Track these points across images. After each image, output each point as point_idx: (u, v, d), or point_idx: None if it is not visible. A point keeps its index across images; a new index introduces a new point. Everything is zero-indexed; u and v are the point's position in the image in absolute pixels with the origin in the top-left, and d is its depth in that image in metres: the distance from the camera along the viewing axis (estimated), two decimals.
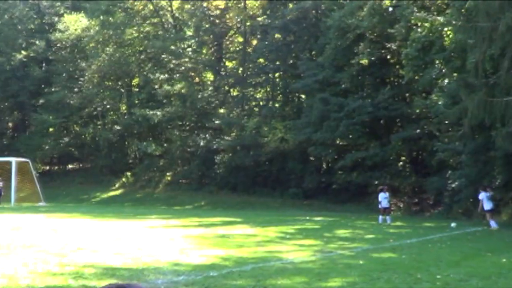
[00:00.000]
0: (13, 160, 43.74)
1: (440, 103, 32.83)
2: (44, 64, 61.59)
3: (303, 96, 47.41)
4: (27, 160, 45.68)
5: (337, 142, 41.82)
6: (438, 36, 32.66)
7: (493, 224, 25.17)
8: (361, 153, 39.79)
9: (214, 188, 47.13)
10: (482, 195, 25.70)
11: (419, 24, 34.16)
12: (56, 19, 58.65)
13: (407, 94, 41.03)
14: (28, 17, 59.31)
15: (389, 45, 39.68)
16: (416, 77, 36.19)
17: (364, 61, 40.27)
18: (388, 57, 41.14)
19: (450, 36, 31.47)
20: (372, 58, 39.81)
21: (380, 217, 27.89)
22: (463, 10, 29.19)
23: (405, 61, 34.70)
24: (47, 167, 60.85)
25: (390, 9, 38.54)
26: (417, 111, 38.32)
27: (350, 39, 39.67)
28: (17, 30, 59.12)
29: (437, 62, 33.91)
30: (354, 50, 39.89)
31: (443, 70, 33.73)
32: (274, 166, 45.91)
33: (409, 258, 14.59)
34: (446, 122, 33.66)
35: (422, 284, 10.85)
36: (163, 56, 51.68)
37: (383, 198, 28.25)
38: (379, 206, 28.45)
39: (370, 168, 39.15)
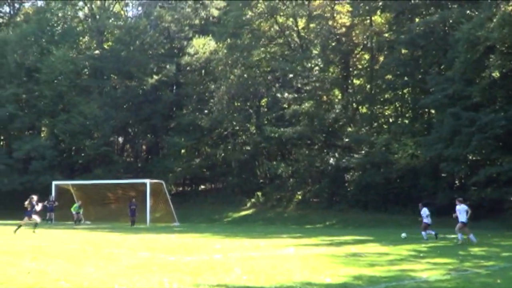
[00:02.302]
0: (148, 181, 46.23)
1: None
2: (174, 88, 65.03)
3: (433, 111, 47.46)
4: (161, 181, 48.35)
5: (470, 157, 41.49)
6: None
7: (460, 236, 26.31)
8: (495, 168, 39.42)
9: (345, 206, 48.19)
10: (461, 207, 26.83)
11: None
12: (185, 43, 62.17)
13: None
14: (158, 42, 63.16)
15: None
16: None
17: (495, 74, 39.99)
18: None
19: None
20: (504, 70, 39.28)
21: (423, 232, 28.58)
22: None
23: None
24: (180, 188, 64.14)
25: None
26: None
27: (480, 52, 39.00)
28: (148, 55, 63.19)
29: None
30: (485, 63, 39.45)
31: None
32: (405, 183, 46.45)
33: None
34: None
35: None
36: (290, 76, 53.38)
37: (426, 215, 29.34)
38: (424, 221, 29.19)
39: (505, 183, 38.62)
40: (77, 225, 44.26)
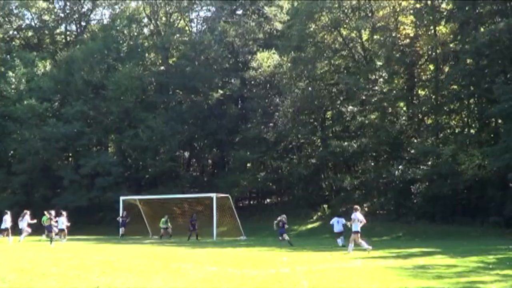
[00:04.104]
0: (214, 195, 47.58)
1: None
2: (239, 102, 66.80)
3: (500, 121, 47.43)
4: (227, 195, 49.53)
5: None
6: None
7: (355, 245, 27.87)
8: None
9: (411, 218, 48.41)
10: (355, 215, 28.11)
11: None
12: (249, 57, 63.55)
13: None
14: (223, 56, 64.76)
15: None
16: None
17: None
18: None
19: None
20: None
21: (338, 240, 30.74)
22: None
23: None
24: (246, 202, 65.61)
25: None
26: None
27: None
28: (213, 70, 64.80)
29: None
30: None
31: None
32: (473, 194, 46.85)
33: None
34: None
35: None
36: (354, 89, 54.06)
37: (336, 223, 31.79)
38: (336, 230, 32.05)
39: None
40: (164, 238, 45.90)
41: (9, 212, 41.21)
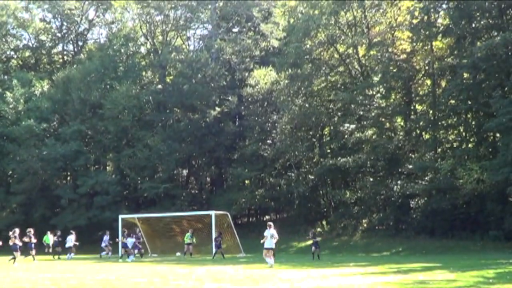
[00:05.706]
0: (213, 213, 47.26)
1: None
2: (237, 119, 66.64)
3: (498, 134, 47.07)
4: (226, 212, 49.49)
5: None
6: None
7: (270, 261, 28.50)
8: None
9: (411, 233, 48.43)
10: (268, 232, 28.64)
11: None
12: (246, 74, 63.73)
13: None
14: (220, 74, 64.68)
15: None
16: None
17: None
18: None
19: None
20: None
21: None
22: None
23: None
24: (245, 219, 65.32)
25: None
26: None
27: None
28: (210, 88, 64.81)
29: None
30: None
31: None
32: (472, 208, 46.63)
33: None
34: None
35: None
36: (352, 105, 54.26)
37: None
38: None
39: None
40: (190, 257, 45.30)
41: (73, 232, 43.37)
